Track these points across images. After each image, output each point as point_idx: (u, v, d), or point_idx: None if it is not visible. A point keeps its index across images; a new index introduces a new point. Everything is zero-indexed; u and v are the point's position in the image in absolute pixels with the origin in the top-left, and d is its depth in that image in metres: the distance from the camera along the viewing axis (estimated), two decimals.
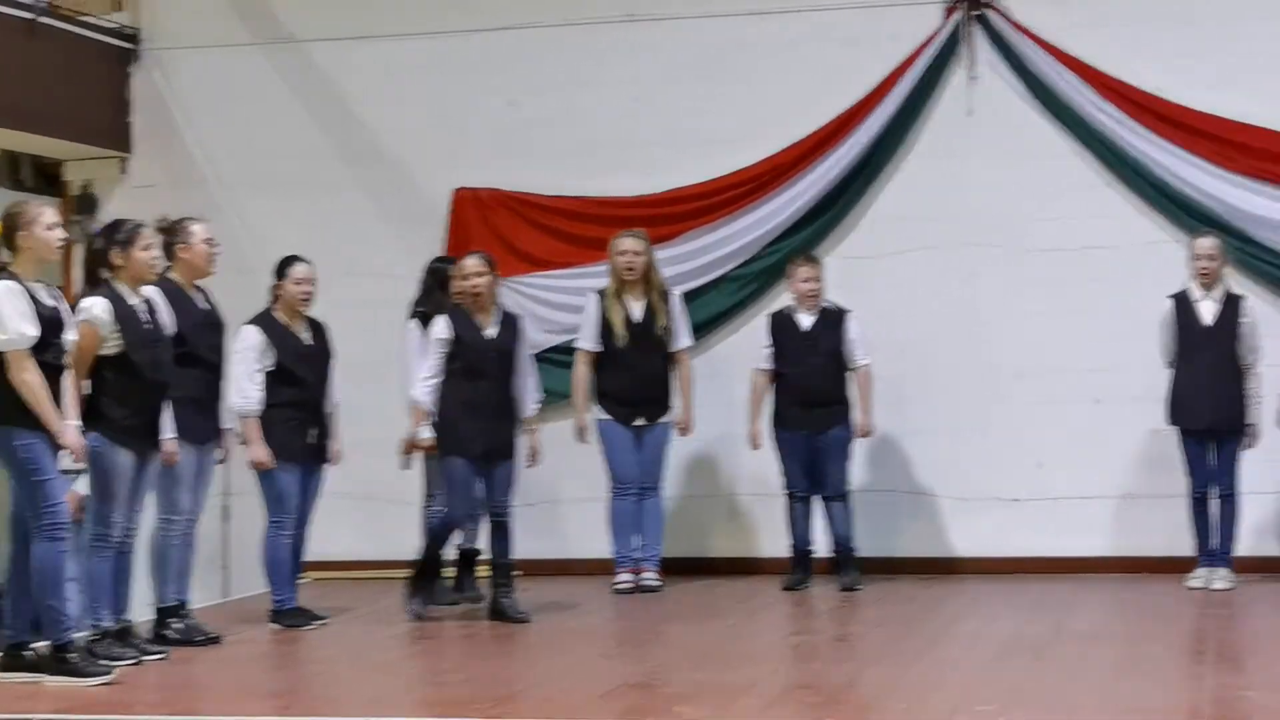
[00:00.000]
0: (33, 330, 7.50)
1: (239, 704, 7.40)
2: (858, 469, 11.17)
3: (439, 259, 10.75)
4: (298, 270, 9.56)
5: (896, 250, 11.48)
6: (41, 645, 7.78)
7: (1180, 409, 10.39)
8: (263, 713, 7.26)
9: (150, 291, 8.42)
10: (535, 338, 11.51)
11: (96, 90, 12.22)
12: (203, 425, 8.92)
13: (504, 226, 11.85)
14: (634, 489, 10.77)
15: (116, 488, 8.15)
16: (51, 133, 11.85)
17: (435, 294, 10.32)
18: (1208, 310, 10.32)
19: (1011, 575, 11.02)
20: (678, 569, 11.16)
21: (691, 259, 11.61)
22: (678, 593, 10.66)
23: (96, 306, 8.09)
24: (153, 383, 8.26)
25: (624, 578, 10.75)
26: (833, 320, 10.81)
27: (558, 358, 11.50)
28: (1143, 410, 10.93)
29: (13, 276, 7.64)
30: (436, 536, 9.75)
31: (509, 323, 9.75)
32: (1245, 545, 10.60)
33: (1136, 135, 11.13)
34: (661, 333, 10.74)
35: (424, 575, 9.74)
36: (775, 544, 11.22)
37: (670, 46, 11.73)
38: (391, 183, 12.10)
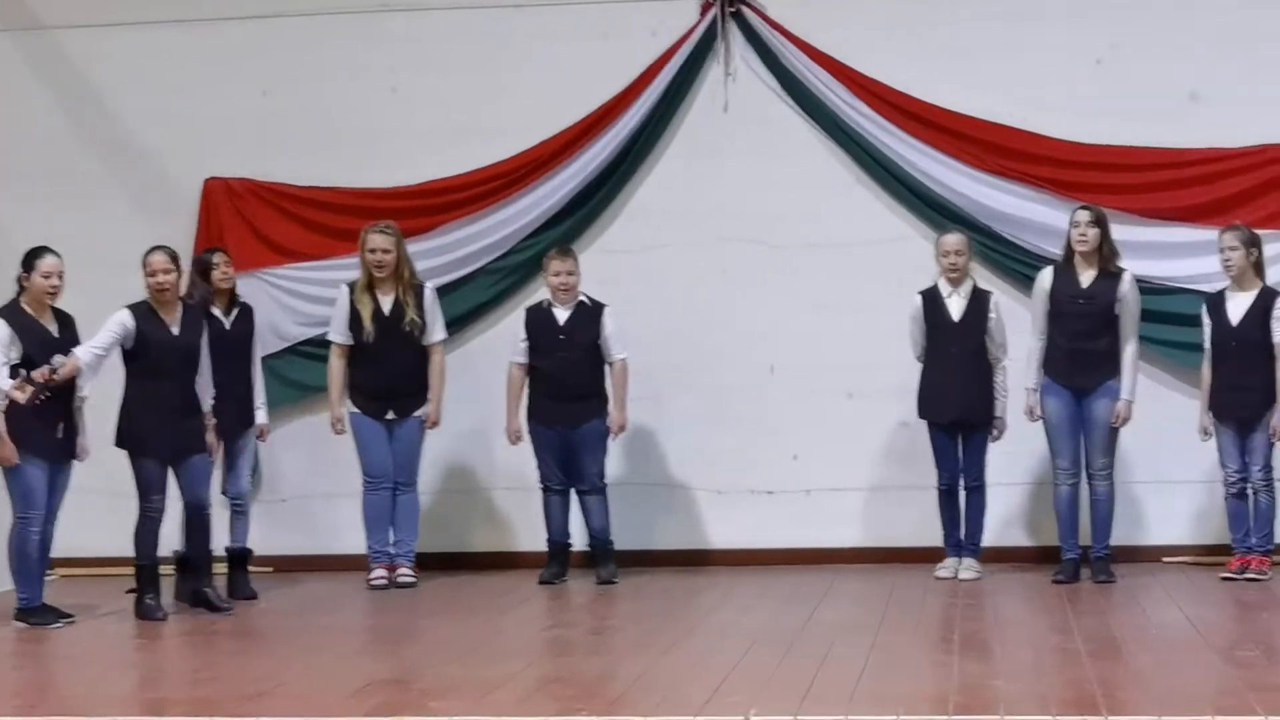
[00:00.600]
0: None
1: None
2: (615, 462, 11.20)
3: (208, 250, 10.64)
4: (45, 263, 9.37)
5: (654, 245, 11.52)
6: None
7: (929, 402, 10.55)
8: (4, 714, 7.06)
9: None
10: (288, 330, 11.46)
11: None
12: None
13: (256, 217, 11.68)
14: (387, 483, 10.67)
15: None
16: None
17: (199, 284, 10.23)
18: (955, 306, 10.48)
19: (767, 567, 11.11)
20: (433, 564, 11.11)
21: (448, 252, 11.53)
22: (433, 588, 10.61)
23: None
24: None
25: (379, 574, 10.66)
26: (589, 314, 10.80)
27: (311, 350, 11.40)
28: (893, 404, 11.10)
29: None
30: (140, 539, 9.58)
31: (192, 319, 9.70)
32: (991, 535, 10.81)
33: (887, 133, 11.29)
34: (411, 327, 10.64)
35: (144, 577, 9.60)
36: (532, 538, 11.21)
37: (426, 37, 11.64)
38: (142, 172, 11.87)
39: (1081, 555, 10.38)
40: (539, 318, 10.86)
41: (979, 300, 10.51)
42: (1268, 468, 10.15)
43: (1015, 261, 11.17)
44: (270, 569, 11.24)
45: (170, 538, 9.97)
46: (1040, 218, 11.12)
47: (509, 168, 11.52)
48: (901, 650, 8.01)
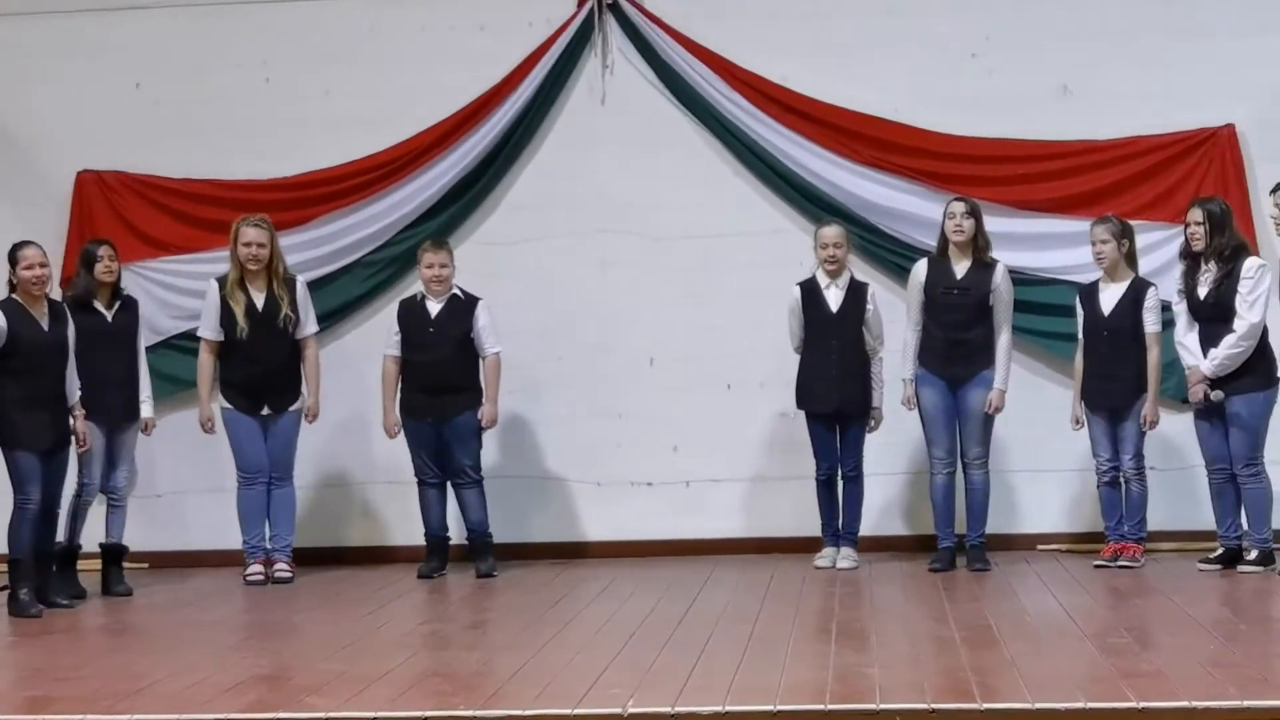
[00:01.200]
0: None
1: None
2: (492, 455, 11.18)
3: (94, 240, 10.53)
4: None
5: (532, 237, 11.51)
6: None
7: (807, 394, 10.60)
8: None
9: None
10: (162, 324, 11.35)
11: None
12: None
13: (129, 209, 11.56)
14: (263, 479, 10.59)
15: None
16: None
17: (82, 275, 10.17)
18: (833, 298, 10.53)
19: (646, 558, 11.12)
20: (310, 559, 11.02)
21: (323, 244, 11.47)
22: (310, 583, 10.53)
23: None
24: None
25: (255, 569, 10.58)
26: (462, 308, 10.75)
27: (185, 344, 11.29)
28: (772, 395, 11.16)
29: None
30: (14, 533, 9.49)
31: (59, 314, 9.65)
32: (869, 525, 10.87)
33: (764, 125, 11.33)
34: (285, 321, 10.55)
35: (17, 572, 9.49)
36: (409, 532, 11.16)
37: (302, 28, 11.56)
38: (12, 165, 11.69)
39: (957, 543, 10.46)
40: (411, 310, 10.81)
41: (856, 292, 10.57)
42: (1139, 457, 10.27)
43: (891, 253, 11.25)
44: (146, 565, 11.13)
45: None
46: (915, 210, 11.19)
47: (385, 159, 11.46)
48: (780, 640, 8.03)
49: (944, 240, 10.43)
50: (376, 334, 11.23)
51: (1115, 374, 10.23)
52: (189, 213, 11.55)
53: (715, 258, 11.37)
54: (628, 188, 11.46)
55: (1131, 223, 10.54)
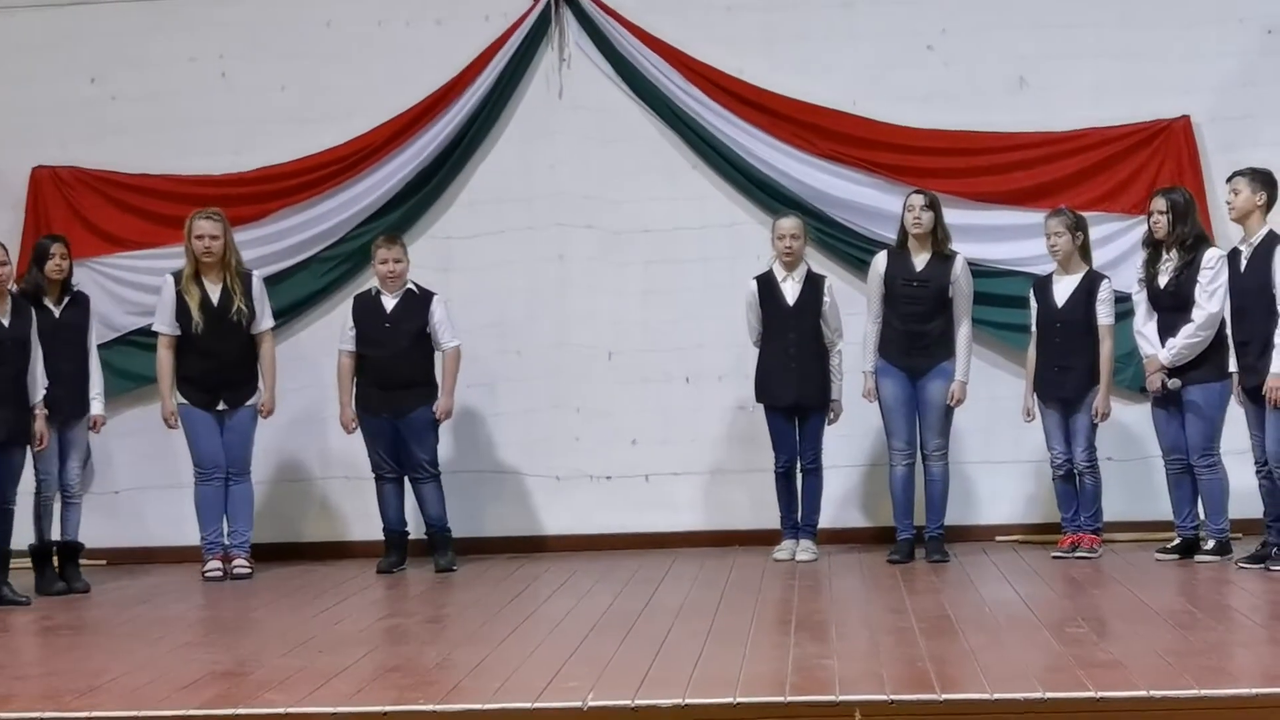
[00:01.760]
0: None
1: None
2: (451, 450, 11.17)
3: (48, 236, 10.50)
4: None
5: (489, 231, 11.52)
6: None
7: (765, 386, 10.61)
8: None
9: None
10: (118, 320, 11.32)
11: None
12: None
13: (85, 205, 11.53)
14: (220, 474, 10.56)
15: None
16: None
17: (35, 272, 10.17)
18: (790, 290, 10.53)
19: (605, 552, 11.14)
20: (269, 555, 11.03)
21: (280, 239, 11.46)
22: (269, 579, 10.50)
23: None
24: None
25: (213, 565, 10.55)
26: (417, 302, 10.73)
27: (142, 340, 11.25)
28: (730, 388, 11.20)
29: None
30: None
31: (21, 310, 9.66)
32: (828, 517, 10.90)
33: (721, 118, 11.35)
34: (239, 315, 10.51)
35: None
36: (367, 527, 11.17)
37: (257, 23, 11.55)
38: None
39: (916, 535, 10.49)
40: (366, 306, 10.79)
41: (814, 284, 10.58)
42: (1091, 449, 10.30)
43: (850, 246, 11.27)
44: (104, 562, 11.11)
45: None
46: (874, 202, 11.21)
47: (341, 154, 11.45)
48: (739, 633, 8.03)
49: (903, 233, 10.46)
50: (332, 329, 11.18)
51: (1068, 366, 10.27)
52: (145, 208, 11.52)
53: (672, 251, 11.39)
54: (585, 182, 11.48)
55: (1088, 214, 10.62)
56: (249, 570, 10.56)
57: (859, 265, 10.99)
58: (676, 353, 11.41)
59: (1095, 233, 10.66)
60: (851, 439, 11.04)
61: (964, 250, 10.55)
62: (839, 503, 11.22)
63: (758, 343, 10.64)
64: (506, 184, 11.53)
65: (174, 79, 11.55)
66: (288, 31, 11.54)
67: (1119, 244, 10.96)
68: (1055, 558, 10.27)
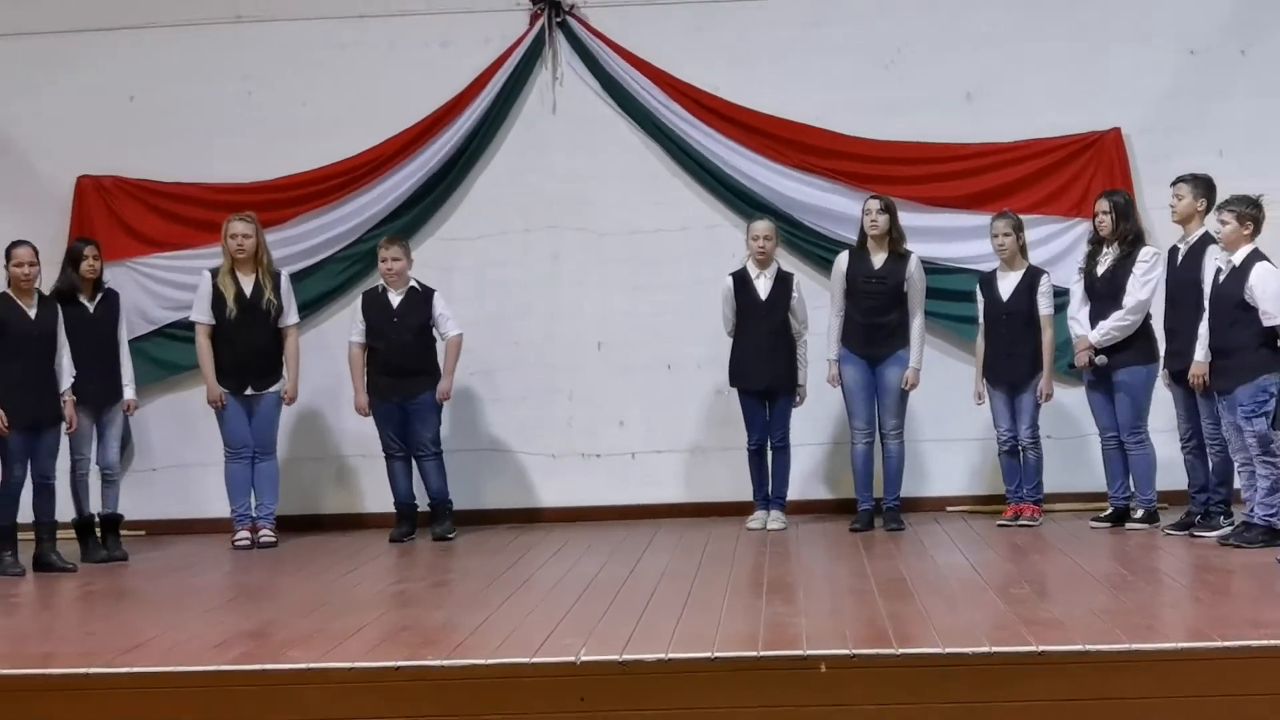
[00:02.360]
0: None
1: None
2: (456, 431, 11.14)
3: (80, 239, 10.43)
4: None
5: (489, 233, 11.48)
6: None
7: (739, 373, 10.59)
8: None
9: None
10: (154, 314, 11.32)
11: None
12: None
13: (124, 211, 11.46)
14: (248, 453, 10.53)
15: None
16: None
17: (70, 271, 10.10)
18: (763, 286, 10.52)
19: (595, 523, 11.11)
20: (291, 525, 10.98)
21: (300, 241, 11.41)
22: (291, 548, 10.47)
23: None
24: None
25: (242, 535, 10.52)
26: (420, 299, 10.70)
27: (175, 332, 11.25)
28: (708, 374, 11.17)
29: None
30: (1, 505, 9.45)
31: (48, 306, 9.68)
32: (795, 490, 10.87)
33: (699, 131, 11.32)
34: (269, 307, 10.49)
35: (2, 538, 9.49)
36: (379, 500, 11.12)
37: (277, 44, 11.49)
38: (16, 171, 11.55)
39: (875, 506, 10.48)
40: (374, 301, 10.75)
41: (783, 281, 10.56)
42: (1034, 427, 10.31)
43: (815, 246, 11.25)
44: (143, 532, 11.07)
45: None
46: (837, 207, 11.19)
47: (356, 164, 11.40)
48: (716, 595, 8.03)
49: (863, 234, 10.44)
50: (349, 321, 11.14)
51: (1013, 353, 10.28)
52: (178, 213, 11.46)
53: (655, 251, 11.37)
54: (576, 188, 11.44)
55: (1029, 216, 10.65)
56: (274, 540, 10.53)
57: (823, 264, 10.97)
58: (659, 343, 11.38)
59: (1035, 233, 10.72)
60: (816, 420, 11.03)
61: (917, 249, 10.54)
62: (805, 477, 11.20)
63: (732, 333, 10.62)
64: (505, 190, 11.49)
65: (204, 97, 11.49)
66: (307, 52, 11.48)
67: (1057, 243, 10.97)
68: (1000, 526, 10.27)
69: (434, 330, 10.71)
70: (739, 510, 10.86)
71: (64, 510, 10.05)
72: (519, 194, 11.48)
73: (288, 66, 11.49)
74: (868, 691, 6.35)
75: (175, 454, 11.47)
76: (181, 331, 11.13)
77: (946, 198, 11.18)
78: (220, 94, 11.51)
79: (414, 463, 10.74)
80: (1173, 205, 9.69)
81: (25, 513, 9.74)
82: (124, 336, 10.37)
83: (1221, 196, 9.33)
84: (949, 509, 11.16)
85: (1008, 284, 10.33)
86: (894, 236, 10.38)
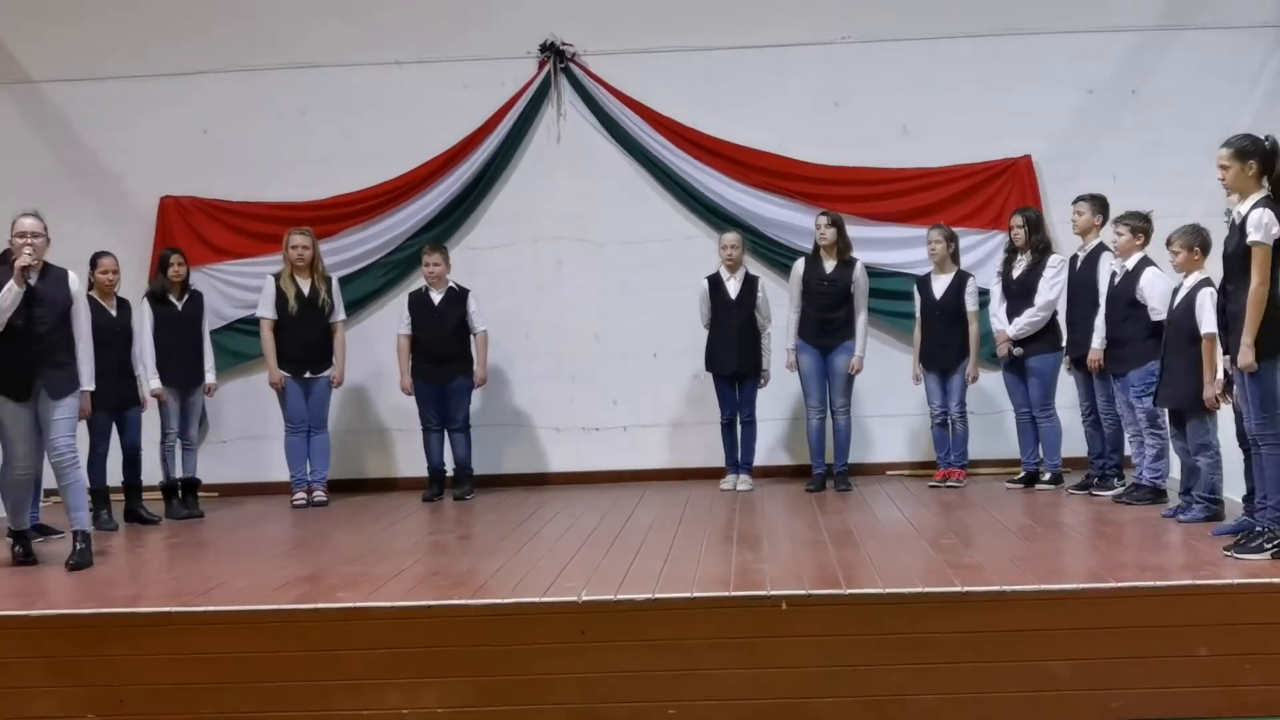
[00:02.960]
0: None
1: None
2: (477, 407, 11.11)
3: (168, 249, 10.39)
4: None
5: (505, 243, 11.46)
6: None
7: (713, 359, 10.58)
8: (40, 607, 6.85)
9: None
10: (226, 312, 11.31)
11: None
12: None
13: (199, 225, 11.43)
14: (304, 427, 10.51)
15: None
16: None
17: (160, 276, 10.07)
18: (733, 287, 10.50)
19: (594, 485, 11.10)
20: (340, 488, 10.98)
21: (346, 251, 11.37)
22: (340, 506, 10.45)
23: None
24: None
25: (299, 496, 10.49)
26: (456, 298, 10.68)
27: (244, 327, 11.24)
28: (686, 361, 11.15)
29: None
30: (93, 471, 9.33)
31: (124, 306, 9.67)
32: (761, 457, 10.86)
33: (679, 158, 11.29)
34: (323, 306, 10.48)
35: (97, 500, 9.43)
36: (413, 466, 11.11)
37: (329, 86, 11.44)
38: (109, 192, 11.53)
39: (827, 471, 10.48)
40: (419, 300, 10.73)
41: (750, 283, 10.54)
42: (962, 404, 10.31)
43: (776, 254, 11.23)
44: (216, 494, 11.06)
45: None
46: (794, 221, 11.17)
47: (393, 186, 11.37)
48: (694, 545, 8.03)
49: (816, 244, 10.43)
50: (388, 318, 11.19)
51: (945, 343, 10.28)
52: (244, 227, 11.43)
53: (643, 258, 11.35)
54: (577, 205, 11.42)
55: (955, 229, 10.60)
56: (325, 500, 10.51)
57: (783, 269, 10.96)
58: (646, 334, 11.37)
59: (960, 243, 10.65)
60: (778, 398, 11.03)
61: (862, 257, 10.52)
62: (768, 447, 11.20)
63: (707, 326, 10.60)
64: (517, 207, 11.47)
65: (266, 130, 11.46)
66: (352, 93, 11.45)
67: (979, 251, 10.97)
68: (931, 487, 10.28)
69: (468, 324, 10.69)
70: (713, 474, 10.86)
71: (152, 475, 10.03)
72: (529, 211, 11.45)
73: (336, 105, 11.46)
74: (821, 625, 6.37)
75: (243, 428, 11.46)
76: (248, 326, 11.11)
77: (886, 214, 11.17)
78: (280, 128, 11.48)
79: (446, 435, 10.71)
80: (1074, 220, 9.69)
81: (115, 477, 9.74)
82: (207, 330, 10.34)
83: (1115, 214, 9.33)
84: (889, 473, 11.16)
85: (940, 285, 10.33)
86: (842, 246, 10.37)
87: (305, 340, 10.43)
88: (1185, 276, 8.30)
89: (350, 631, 6.49)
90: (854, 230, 10.62)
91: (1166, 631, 6.28)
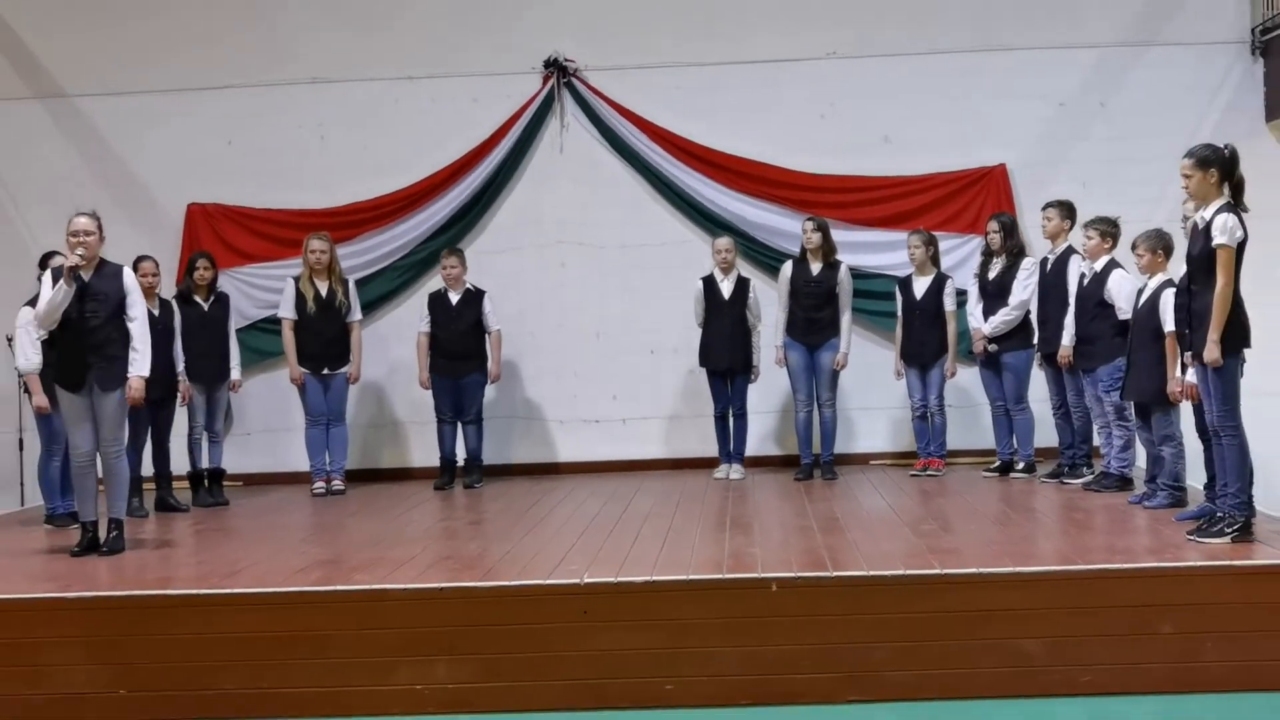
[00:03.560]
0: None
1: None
2: (489, 401, 11.10)
3: (196, 253, 10.39)
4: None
5: (511, 247, 11.45)
6: None
7: (707, 355, 10.57)
8: (81, 589, 6.86)
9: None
10: (249, 312, 11.31)
11: None
12: None
13: (224, 231, 11.43)
14: (324, 420, 10.50)
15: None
16: None
17: (188, 279, 10.10)
18: (726, 288, 10.50)
19: (595, 474, 11.11)
20: (358, 477, 10.99)
21: (365, 254, 11.38)
22: (358, 494, 10.45)
23: None
24: None
25: (319, 484, 10.49)
26: (472, 299, 10.67)
27: (266, 326, 11.23)
28: (682, 357, 11.15)
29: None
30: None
31: (165, 307, 9.68)
32: (752, 448, 10.85)
33: (675, 167, 11.30)
34: (341, 306, 10.47)
35: (130, 489, 9.27)
36: (425, 457, 11.11)
37: (346, 100, 11.45)
38: (140, 200, 11.51)
39: (814, 461, 10.47)
40: (438, 300, 10.73)
41: (741, 284, 10.55)
42: (941, 398, 10.31)
43: (766, 257, 11.23)
44: (241, 483, 11.04)
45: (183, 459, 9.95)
46: (782, 226, 11.17)
47: (406, 194, 11.37)
48: (689, 530, 8.04)
49: (803, 248, 10.43)
50: (404, 317, 11.21)
51: (925, 340, 10.28)
52: (266, 233, 11.43)
53: (641, 261, 11.35)
54: (578, 212, 11.42)
55: (934, 234, 10.60)
56: (343, 488, 10.51)
57: (773, 271, 10.95)
58: (644, 333, 11.37)
59: (940, 246, 10.64)
60: (768, 392, 11.02)
61: (847, 259, 10.52)
62: (759, 438, 11.20)
63: (702, 325, 10.60)
64: (523, 214, 11.47)
65: (286, 141, 11.46)
66: (367, 106, 11.44)
67: (957, 254, 10.96)
68: (912, 476, 10.28)
69: (483, 323, 10.69)
70: (707, 464, 10.86)
71: (180, 465, 10.04)
72: (534, 217, 11.45)
73: (352, 117, 11.46)
74: (808, 605, 6.38)
75: (266, 421, 11.45)
76: (269, 326, 11.10)
77: (869, 219, 11.17)
78: (299, 139, 11.47)
79: (459, 427, 10.72)
80: (1044, 225, 9.70)
81: (147, 467, 9.75)
82: (233, 330, 10.33)
83: (1083, 218, 9.34)
84: (872, 463, 11.16)
85: (920, 286, 10.33)
86: (827, 250, 10.37)
87: (324, 339, 10.43)
88: (1149, 278, 8.31)
89: (366, 611, 6.50)
90: (839, 234, 10.63)
91: (1133, 611, 6.29)
